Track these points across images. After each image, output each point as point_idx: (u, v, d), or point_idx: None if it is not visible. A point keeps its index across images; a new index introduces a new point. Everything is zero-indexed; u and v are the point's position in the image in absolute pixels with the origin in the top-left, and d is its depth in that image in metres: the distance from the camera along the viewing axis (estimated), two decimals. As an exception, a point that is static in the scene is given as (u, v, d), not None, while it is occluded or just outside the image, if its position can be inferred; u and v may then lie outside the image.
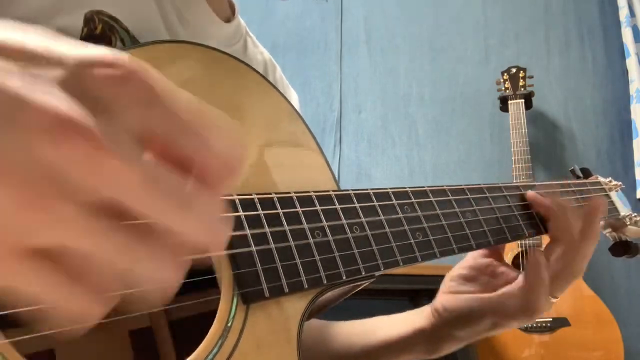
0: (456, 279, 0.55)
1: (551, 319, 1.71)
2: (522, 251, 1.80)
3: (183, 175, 0.19)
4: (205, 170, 0.19)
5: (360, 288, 0.42)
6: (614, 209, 0.70)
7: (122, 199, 0.17)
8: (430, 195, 0.45)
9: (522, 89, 1.98)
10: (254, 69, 0.41)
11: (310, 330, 0.58)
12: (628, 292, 1.95)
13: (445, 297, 0.53)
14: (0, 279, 0.17)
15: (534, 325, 1.71)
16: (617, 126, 2.09)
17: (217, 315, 0.33)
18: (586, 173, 0.75)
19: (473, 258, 0.56)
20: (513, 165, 1.85)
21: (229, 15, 0.55)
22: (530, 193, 0.54)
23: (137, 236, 0.18)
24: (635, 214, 0.74)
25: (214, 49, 0.39)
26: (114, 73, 0.17)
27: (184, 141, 0.19)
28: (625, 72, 2.07)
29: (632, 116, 2.02)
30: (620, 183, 0.74)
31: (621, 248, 0.75)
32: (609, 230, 0.75)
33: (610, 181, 0.73)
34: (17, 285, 0.17)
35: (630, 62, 2.04)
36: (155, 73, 0.18)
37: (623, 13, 2.08)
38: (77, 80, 0.17)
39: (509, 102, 1.96)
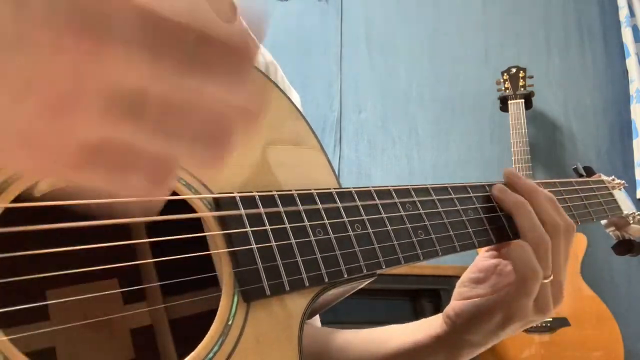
0: (466, 283, 0.54)
1: (551, 319, 1.71)
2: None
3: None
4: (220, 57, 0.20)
5: (361, 286, 0.41)
6: (617, 207, 0.70)
7: (134, 83, 0.18)
8: (432, 193, 0.45)
9: (522, 89, 1.98)
10: (256, 68, 0.41)
11: (315, 337, 0.58)
12: (628, 292, 1.95)
13: (456, 304, 0.53)
14: (69, 176, 0.18)
15: (534, 325, 1.71)
16: (617, 126, 2.09)
17: (218, 313, 0.33)
18: (589, 171, 0.74)
19: (480, 260, 0.55)
20: (513, 165, 1.85)
21: (229, 17, 0.55)
22: (496, 187, 0.52)
23: (172, 115, 0.18)
24: (639, 212, 0.74)
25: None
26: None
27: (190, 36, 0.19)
28: (625, 72, 2.07)
29: (632, 116, 2.02)
30: (623, 182, 0.74)
31: (624, 247, 0.75)
32: (612, 228, 0.75)
33: (613, 179, 0.73)
34: (82, 181, 0.18)
35: (630, 62, 2.04)
36: None
37: (623, 13, 2.08)
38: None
39: (509, 102, 1.96)
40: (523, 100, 1.95)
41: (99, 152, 0.18)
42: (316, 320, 0.62)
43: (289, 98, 0.42)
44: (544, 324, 1.71)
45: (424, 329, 0.54)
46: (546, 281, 0.48)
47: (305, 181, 0.40)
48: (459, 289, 0.54)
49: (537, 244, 0.47)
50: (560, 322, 1.71)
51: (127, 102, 0.18)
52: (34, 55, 0.17)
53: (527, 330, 1.71)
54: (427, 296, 1.62)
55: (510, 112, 1.94)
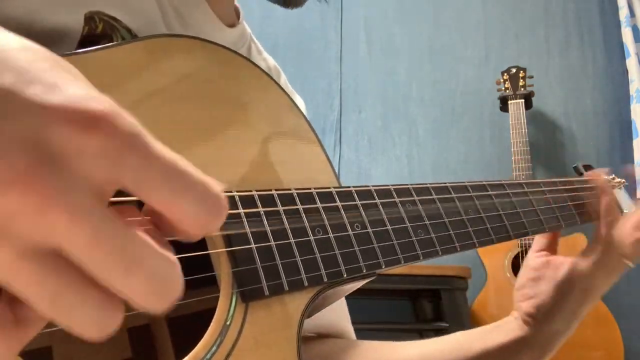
0: (527, 284, 0.56)
1: (551, 319, 1.71)
2: (521, 251, 1.80)
3: (139, 231, 0.18)
4: (177, 221, 0.19)
5: (360, 285, 0.41)
6: (617, 206, 0.69)
7: (65, 249, 0.17)
8: (432, 192, 0.45)
9: (522, 89, 1.97)
10: (257, 66, 0.41)
11: (365, 354, 0.55)
12: (628, 292, 1.95)
13: (529, 303, 0.55)
14: None
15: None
16: (617, 126, 2.08)
17: (216, 313, 0.33)
18: (589, 170, 0.74)
19: (531, 260, 0.58)
20: (513, 165, 1.84)
21: (233, 21, 0.54)
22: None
23: (74, 286, 0.18)
24: (639, 212, 0.73)
25: (214, 43, 0.38)
26: (77, 125, 0.17)
27: (154, 195, 0.18)
28: (625, 72, 2.07)
29: (632, 116, 2.02)
30: (623, 180, 0.74)
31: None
32: None
33: (613, 178, 0.73)
34: None
35: (630, 62, 2.03)
36: (132, 122, 0.18)
37: (623, 13, 2.08)
38: (43, 128, 0.17)
39: (509, 102, 1.96)
40: (523, 100, 1.95)
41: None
42: (349, 332, 0.60)
43: (287, 94, 0.42)
44: (544, 324, 1.70)
45: (503, 332, 0.55)
46: (631, 265, 0.53)
47: (304, 178, 0.40)
48: (520, 292, 0.56)
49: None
50: (560, 323, 1.70)
51: (40, 263, 0.17)
52: None
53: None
54: (427, 296, 1.61)
55: (510, 112, 1.94)
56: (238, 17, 0.56)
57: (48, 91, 0.17)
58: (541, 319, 0.54)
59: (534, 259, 0.58)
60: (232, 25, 0.53)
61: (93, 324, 0.18)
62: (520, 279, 0.58)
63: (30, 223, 0.17)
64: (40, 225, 0.17)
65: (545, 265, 0.56)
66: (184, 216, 0.19)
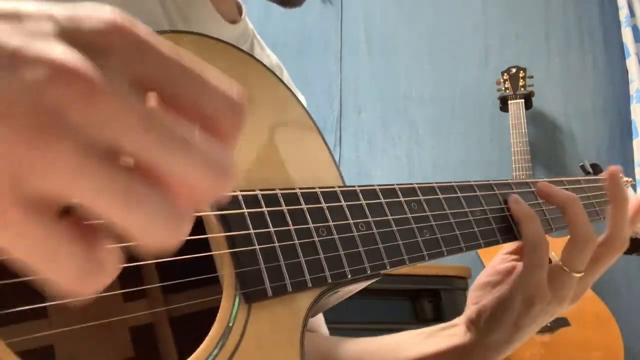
0: (482, 287, 0.53)
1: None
2: (522, 251, 1.80)
3: (185, 120, 0.19)
4: (209, 116, 0.19)
5: (364, 286, 0.41)
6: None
7: (120, 139, 0.17)
8: (438, 192, 0.44)
9: (522, 89, 1.97)
10: (261, 63, 0.40)
11: (320, 347, 0.56)
12: (628, 292, 1.95)
13: (474, 307, 0.52)
14: None
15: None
16: (617, 126, 2.09)
17: (219, 315, 0.33)
18: (596, 168, 0.74)
19: (497, 263, 0.55)
20: (513, 165, 1.84)
21: (235, 17, 0.54)
22: (541, 184, 0.52)
23: (140, 180, 0.18)
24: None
25: (218, 40, 0.38)
26: (101, 26, 0.18)
27: (183, 86, 0.19)
28: (625, 72, 2.07)
29: (632, 116, 2.02)
30: (630, 179, 0.73)
31: (631, 246, 0.74)
32: None
33: (621, 177, 0.72)
34: (15, 242, 0.17)
35: (630, 62, 2.03)
36: (139, 25, 0.19)
37: (623, 13, 2.08)
38: (70, 33, 0.18)
39: (509, 102, 1.96)
40: (523, 100, 1.94)
41: (43, 213, 0.17)
42: (323, 327, 0.61)
43: (291, 91, 0.42)
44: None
45: (444, 337, 0.53)
46: (577, 275, 0.49)
47: (308, 176, 0.40)
48: (474, 293, 0.53)
49: (585, 240, 0.49)
50: (560, 322, 1.70)
51: (102, 160, 0.17)
52: (19, 80, 0.16)
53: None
54: (427, 296, 1.61)
55: (510, 112, 1.94)
56: (240, 13, 0.56)
57: (68, 5, 0.19)
58: (482, 327, 0.50)
59: (500, 262, 0.54)
60: (234, 22, 0.53)
61: (169, 222, 0.18)
62: (479, 279, 0.55)
63: (83, 113, 0.17)
64: (93, 113, 0.17)
65: (509, 271, 0.52)
66: (214, 102, 0.19)
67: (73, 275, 0.17)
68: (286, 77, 0.62)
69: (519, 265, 0.51)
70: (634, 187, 2.01)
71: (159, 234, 0.18)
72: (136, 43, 0.19)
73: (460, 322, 0.53)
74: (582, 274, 0.50)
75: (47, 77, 0.16)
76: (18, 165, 0.16)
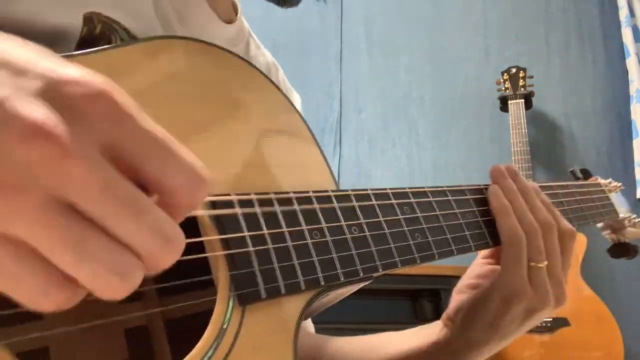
0: (464, 289, 0.53)
1: (551, 319, 1.71)
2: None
3: (142, 193, 0.20)
4: (164, 199, 0.21)
5: (358, 288, 0.41)
6: (613, 211, 0.69)
7: (78, 200, 0.19)
8: (429, 195, 0.45)
9: (522, 89, 1.98)
10: (253, 66, 0.41)
11: (307, 344, 0.56)
12: (628, 292, 1.95)
13: (453, 305, 0.52)
14: None
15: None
16: (617, 126, 2.08)
17: (213, 317, 0.33)
18: (586, 174, 0.74)
19: (477, 266, 0.54)
20: (513, 166, 1.84)
21: (231, 17, 0.55)
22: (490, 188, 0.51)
23: (94, 236, 0.19)
24: (635, 215, 0.74)
25: (212, 44, 0.38)
26: (84, 91, 0.20)
27: (147, 162, 0.21)
28: (625, 72, 2.07)
29: (632, 116, 2.02)
30: (620, 184, 0.73)
31: (620, 250, 0.75)
32: (608, 231, 0.75)
33: (610, 182, 0.73)
34: None
35: (630, 62, 2.03)
36: (125, 95, 0.21)
37: (623, 13, 2.08)
38: (54, 93, 0.19)
39: (509, 102, 1.96)
40: (523, 100, 1.95)
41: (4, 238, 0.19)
42: (309, 326, 0.61)
43: (284, 95, 0.42)
44: (544, 324, 1.70)
45: (423, 335, 0.53)
46: (540, 265, 0.48)
47: (302, 180, 0.40)
48: (456, 296, 0.53)
49: (531, 233, 0.48)
50: (560, 322, 1.70)
51: (60, 214, 0.19)
52: None
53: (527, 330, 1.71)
54: (427, 296, 1.61)
55: (510, 112, 1.94)
56: (236, 13, 0.56)
57: (57, 66, 0.20)
58: (459, 324, 0.50)
59: (480, 265, 0.55)
60: (230, 22, 0.53)
61: (116, 271, 0.20)
62: (461, 281, 0.55)
63: (50, 172, 0.18)
64: (59, 174, 0.18)
65: (488, 274, 0.52)
66: (173, 181, 0.21)
67: (30, 294, 0.19)
68: (282, 75, 0.63)
69: (497, 267, 0.51)
70: (634, 188, 2.01)
71: (105, 286, 0.20)
72: (116, 114, 0.20)
73: (440, 320, 0.53)
74: (545, 262, 0.48)
75: (21, 134, 0.18)
76: None
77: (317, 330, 0.62)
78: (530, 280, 0.48)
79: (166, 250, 0.21)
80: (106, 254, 0.19)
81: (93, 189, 0.19)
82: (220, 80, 0.38)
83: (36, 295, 0.19)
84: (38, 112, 0.18)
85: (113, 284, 0.20)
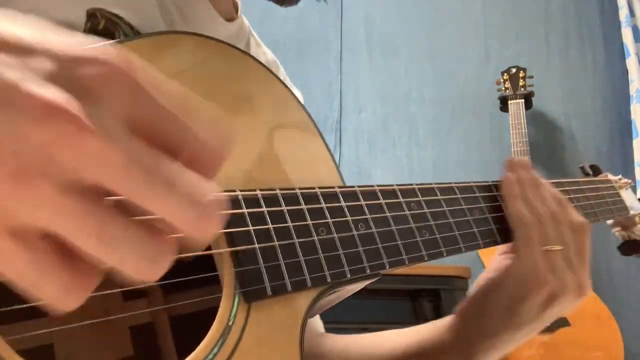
0: (481, 282, 0.52)
1: (551, 319, 1.71)
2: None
3: (169, 159, 0.19)
4: (191, 156, 0.20)
5: (363, 286, 0.41)
6: (624, 207, 0.69)
7: (104, 180, 0.18)
8: (437, 192, 0.45)
9: (522, 89, 1.98)
10: (259, 62, 0.40)
11: (312, 342, 0.55)
12: (628, 292, 1.95)
13: (467, 298, 0.51)
14: None
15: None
16: (617, 126, 2.08)
17: (218, 314, 0.33)
18: (596, 170, 0.74)
19: (496, 262, 0.52)
20: (513, 165, 1.84)
21: (232, 14, 0.55)
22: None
23: (118, 220, 0.18)
24: (646, 212, 0.73)
25: (219, 40, 0.38)
26: (99, 69, 0.19)
27: (169, 128, 0.20)
28: (625, 72, 2.07)
29: (632, 116, 2.02)
30: (629, 181, 0.73)
31: (631, 247, 0.74)
32: (618, 229, 0.75)
33: (620, 179, 0.73)
34: (3, 267, 0.18)
35: (630, 62, 2.03)
36: (141, 65, 0.20)
37: (623, 13, 2.08)
38: (67, 73, 0.18)
39: (509, 102, 1.96)
40: (523, 100, 1.95)
41: (25, 241, 0.18)
42: (319, 325, 0.60)
43: (290, 90, 0.42)
44: (544, 324, 1.71)
45: (432, 328, 0.52)
46: (555, 248, 0.48)
47: (308, 176, 0.40)
48: (473, 289, 0.52)
49: (539, 220, 0.48)
50: (560, 322, 1.70)
51: (82, 199, 0.18)
52: (7, 121, 0.17)
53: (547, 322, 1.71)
54: (427, 296, 1.61)
55: (510, 112, 1.94)
56: (237, 10, 0.56)
57: (67, 41, 0.19)
58: (473, 313, 0.49)
59: (498, 261, 0.52)
60: (231, 19, 0.53)
61: (142, 259, 0.18)
62: (480, 277, 0.53)
63: (68, 152, 0.17)
64: (78, 153, 0.17)
65: (507, 268, 0.50)
66: (199, 141, 0.20)
67: (55, 292, 0.18)
68: (282, 73, 0.63)
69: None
70: (634, 188, 2.01)
71: (134, 269, 0.19)
72: (132, 89, 0.19)
73: (453, 314, 0.52)
74: (560, 247, 0.48)
75: (35, 116, 0.17)
76: (3, 201, 0.17)
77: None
78: (547, 265, 0.47)
79: (203, 220, 0.19)
80: (134, 239, 0.18)
81: (115, 164, 0.18)
82: (227, 75, 0.38)
83: (58, 294, 0.19)
84: (51, 93, 0.18)
85: (143, 268, 0.19)
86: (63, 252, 0.18)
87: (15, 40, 0.19)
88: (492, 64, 2.20)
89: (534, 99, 2.02)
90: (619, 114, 2.09)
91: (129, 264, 0.18)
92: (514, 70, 2.02)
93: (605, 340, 1.67)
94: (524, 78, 2.00)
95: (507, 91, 1.99)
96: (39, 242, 0.18)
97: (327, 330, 0.61)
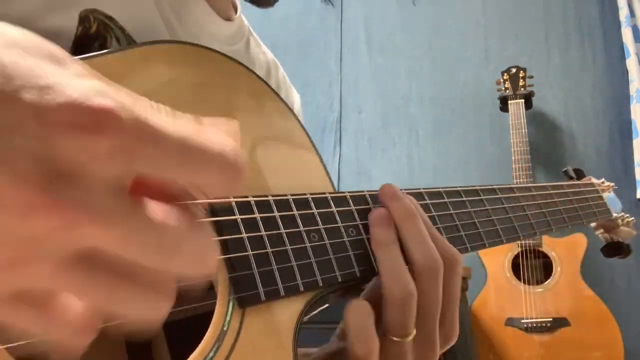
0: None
1: (551, 319, 1.71)
2: (522, 251, 1.80)
3: (166, 223, 0.18)
4: (206, 190, 0.19)
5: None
6: (606, 210, 0.70)
7: (105, 252, 0.17)
8: (425, 197, 0.45)
9: (522, 89, 1.98)
10: (250, 69, 0.41)
11: None
12: (628, 292, 1.95)
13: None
14: None
15: (534, 325, 1.71)
16: (617, 126, 2.09)
17: (213, 319, 0.33)
18: (579, 174, 0.75)
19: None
20: (513, 166, 1.85)
21: (231, 15, 0.55)
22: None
23: (118, 284, 0.18)
24: (627, 215, 0.74)
25: (209, 48, 0.39)
26: (89, 126, 0.16)
27: (177, 173, 0.18)
28: (625, 72, 2.07)
29: (632, 116, 2.02)
30: (612, 184, 0.74)
31: (613, 249, 0.75)
32: (601, 231, 0.76)
33: (602, 182, 0.73)
34: (4, 324, 0.18)
35: (630, 62, 2.03)
36: (138, 113, 0.17)
37: (623, 13, 2.08)
38: (51, 136, 0.16)
39: (509, 102, 1.96)
40: (523, 100, 1.95)
41: (25, 299, 0.18)
42: None
43: (281, 98, 0.42)
44: (544, 324, 1.71)
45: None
46: (407, 339, 0.37)
47: (299, 183, 0.40)
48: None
49: (402, 299, 0.36)
50: (560, 322, 1.70)
51: (83, 268, 0.17)
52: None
53: (527, 330, 1.71)
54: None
55: (510, 112, 1.94)
56: (235, 10, 0.56)
57: (42, 96, 0.16)
58: None
59: None
60: (229, 19, 0.53)
61: (152, 307, 0.19)
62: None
63: (62, 239, 0.16)
64: (72, 238, 0.17)
65: None
66: (208, 186, 0.19)
67: (65, 338, 0.19)
68: (281, 73, 0.63)
69: None
70: (634, 188, 2.01)
71: (142, 320, 0.19)
72: (127, 142, 0.17)
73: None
74: (414, 333, 0.37)
75: (20, 212, 0.16)
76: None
77: (318, 330, 0.62)
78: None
79: (203, 271, 0.19)
80: (139, 296, 0.18)
81: (115, 242, 0.17)
82: (218, 85, 0.38)
83: (68, 340, 0.19)
84: (31, 182, 0.16)
85: (149, 317, 0.19)
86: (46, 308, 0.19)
87: None
88: (492, 64, 2.20)
89: (534, 99, 2.02)
90: (619, 114, 2.09)
91: (137, 318, 0.19)
92: (514, 70, 2.02)
93: (605, 340, 1.67)
94: (524, 78, 2.00)
95: (507, 91, 2.00)
96: (43, 297, 0.18)
97: (325, 330, 0.61)
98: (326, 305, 0.40)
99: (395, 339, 0.36)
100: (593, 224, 0.74)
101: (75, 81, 0.17)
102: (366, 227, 0.40)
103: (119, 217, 0.17)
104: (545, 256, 1.80)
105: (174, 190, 0.19)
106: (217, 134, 0.19)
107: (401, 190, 0.40)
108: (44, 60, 0.18)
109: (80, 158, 0.16)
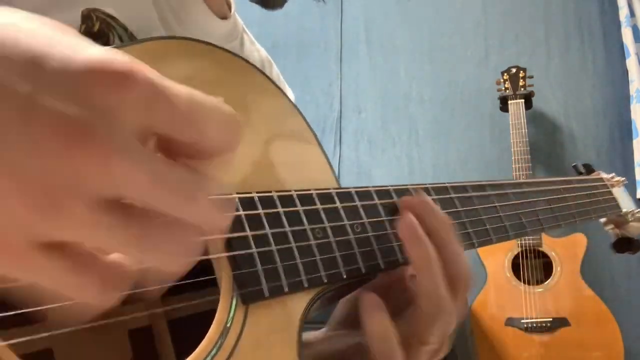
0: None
1: (551, 319, 1.71)
2: (522, 251, 1.80)
3: (184, 164, 0.21)
4: (202, 155, 0.22)
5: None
6: (616, 205, 0.70)
7: (132, 197, 0.19)
8: (432, 192, 0.45)
9: (522, 89, 1.98)
10: (254, 66, 0.41)
11: None
12: (628, 292, 1.95)
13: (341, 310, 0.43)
14: (18, 274, 0.19)
15: (534, 325, 1.71)
16: (617, 126, 2.09)
17: (216, 316, 0.33)
18: (589, 169, 0.74)
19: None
20: (513, 166, 1.85)
21: (225, 13, 0.55)
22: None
23: (148, 227, 0.20)
24: (638, 210, 0.74)
25: (213, 45, 0.38)
26: (113, 81, 0.19)
27: (184, 133, 0.21)
28: (625, 72, 2.07)
29: (632, 116, 2.02)
30: (623, 179, 0.74)
31: (623, 244, 0.75)
32: (611, 226, 0.75)
33: (612, 177, 0.73)
34: (32, 278, 0.19)
35: (630, 62, 2.03)
36: (153, 73, 0.20)
37: (623, 13, 2.08)
38: (76, 89, 0.18)
39: (509, 102, 1.96)
40: (523, 100, 1.95)
41: (59, 251, 0.19)
42: None
43: (286, 95, 0.42)
44: (544, 324, 1.71)
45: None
46: (426, 347, 0.38)
47: (304, 180, 0.40)
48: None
49: (434, 315, 0.37)
50: (560, 322, 1.70)
51: (114, 212, 0.19)
52: (32, 152, 0.17)
53: (527, 330, 1.71)
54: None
55: (510, 112, 1.94)
56: (230, 8, 0.56)
57: (73, 52, 0.19)
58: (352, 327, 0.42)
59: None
60: (224, 17, 0.54)
61: (181, 253, 0.20)
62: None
63: (97, 176, 0.18)
64: (106, 176, 0.18)
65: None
66: (213, 139, 0.21)
67: (94, 294, 0.20)
68: (275, 71, 0.63)
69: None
70: (634, 188, 2.01)
71: (171, 267, 0.20)
72: (147, 98, 0.19)
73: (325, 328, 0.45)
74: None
75: (59, 140, 0.17)
76: (27, 226, 0.18)
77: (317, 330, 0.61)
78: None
79: (222, 218, 0.21)
80: (168, 241, 0.20)
81: (143, 184, 0.19)
82: (223, 81, 0.38)
83: (98, 295, 0.20)
84: (69, 112, 0.18)
85: (178, 264, 0.20)
86: (84, 258, 0.20)
87: (22, 49, 0.19)
88: (492, 64, 2.20)
89: (534, 99, 2.02)
90: (619, 114, 2.09)
91: (166, 264, 0.20)
92: (514, 70, 2.02)
93: (605, 340, 1.67)
94: (524, 78, 2.00)
95: (507, 91, 2.00)
96: (72, 249, 0.19)
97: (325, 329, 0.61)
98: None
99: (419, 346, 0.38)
100: (603, 220, 0.74)
101: (94, 45, 0.20)
102: (371, 223, 0.40)
103: (146, 158, 0.19)
104: (545, 256, 1.80)
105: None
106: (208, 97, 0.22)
107: (393, 186, 0.42)
108: (62, 30, 0.21)
109: (111, 104, 0.18)
